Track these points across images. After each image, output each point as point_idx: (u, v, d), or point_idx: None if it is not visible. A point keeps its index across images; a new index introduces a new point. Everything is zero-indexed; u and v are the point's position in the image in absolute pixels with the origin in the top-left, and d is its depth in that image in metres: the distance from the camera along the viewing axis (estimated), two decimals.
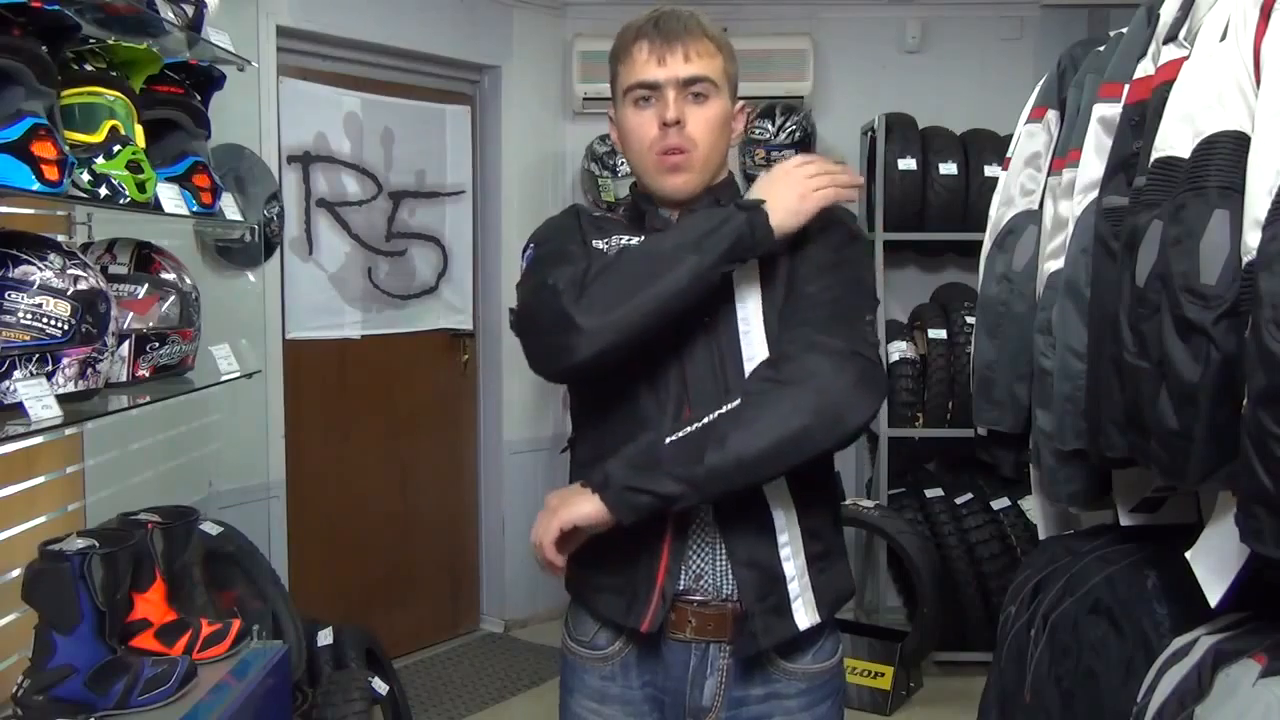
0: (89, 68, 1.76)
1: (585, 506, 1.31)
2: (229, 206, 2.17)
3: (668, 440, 1.31)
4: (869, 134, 4.09)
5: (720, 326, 1.40)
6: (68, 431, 2.04)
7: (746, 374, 1.38)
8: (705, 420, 1.31)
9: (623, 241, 1.47)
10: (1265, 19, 1.22)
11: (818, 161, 1.41)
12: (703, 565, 1.41)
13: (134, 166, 1.74)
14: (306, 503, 3.55)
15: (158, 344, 1.93)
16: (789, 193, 1.37)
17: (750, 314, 1.41)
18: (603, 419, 1.45)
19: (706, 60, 1.43)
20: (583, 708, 1.51)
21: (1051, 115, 2.07)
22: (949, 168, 3.90)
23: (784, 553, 1.40)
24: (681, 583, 1.41)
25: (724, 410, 1.31)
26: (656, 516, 1.34)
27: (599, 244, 1.48)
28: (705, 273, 1.32)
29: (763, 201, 1.36)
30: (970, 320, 3.51)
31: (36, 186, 1.49)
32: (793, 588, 1.41)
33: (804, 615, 1.41)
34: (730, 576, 1.40)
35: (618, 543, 1.40)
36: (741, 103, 1.51)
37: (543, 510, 1.36)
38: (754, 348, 1.40)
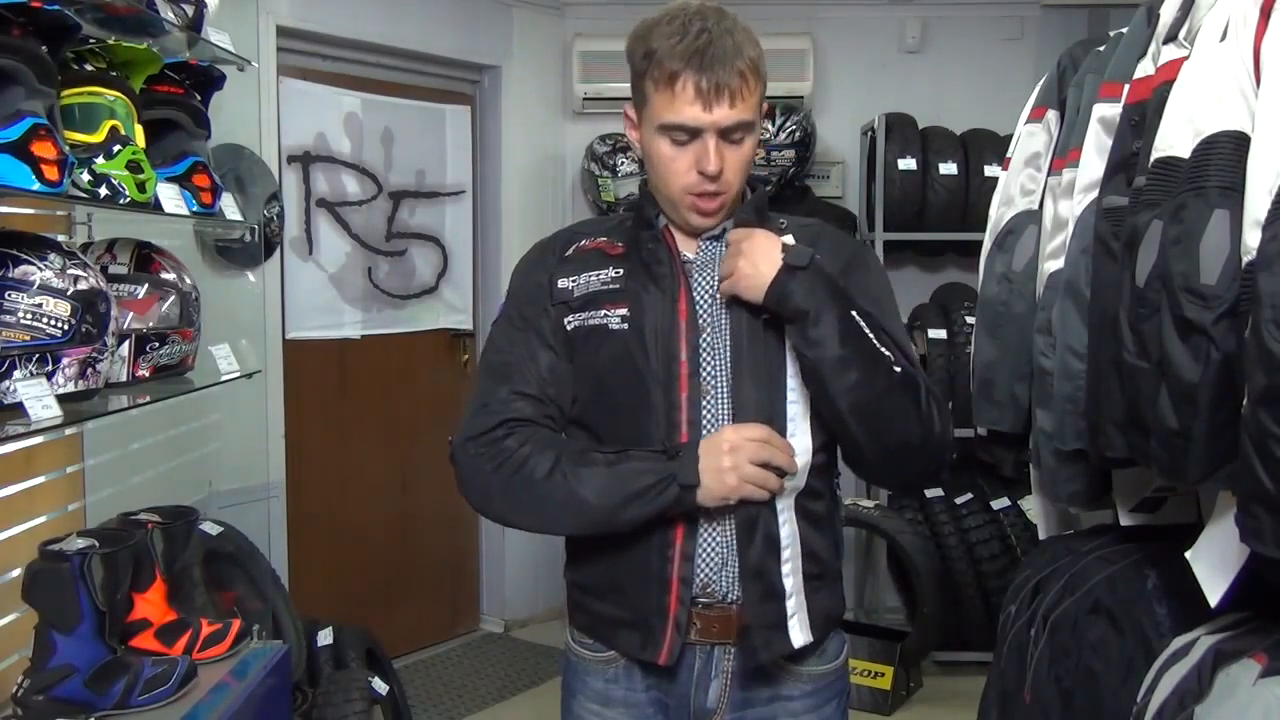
0: (89, 68, 1.76)
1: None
2: (229, 206, 2.17)
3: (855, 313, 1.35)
4: (869, 134, 4.09)
5: (769, 340, 1.40)
6: (68, 431, 2.04)
7: (790, 396, 1.39)
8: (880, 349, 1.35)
9: (594, 279, 1.43)
10: (1265, 19, 1.22)
11: (768, 443, 1.35)
12: (710, 572, 1.40)
13: (134, 166, 1.74)
14: (306, 503, 3.55)
15: (158, 344, 1.93)
16: (724, 480, 1.33)
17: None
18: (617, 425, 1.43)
19: (749, 100, 1.36)
20: (586, 710, 1.50)
21: (1051, 115, 2.07)
22: (949, 168, 3.90)
23: (785, 569, 1.41)
24: (692, 589, 1.41)
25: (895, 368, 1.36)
26: (666, 541, 1.38)
27: (565, 283, 1.45)
28: (622, 524, 1.37)
29: (696, 485, 1.34)
30: (970, 320, 3.51)
31: (36, 186, 1.49)
32: (789, 605, 1.41)
33: (798, 633, 1.42)
34: (737, 583, 1.40)
35: (624, 573, 1.42)
36: (766, 106, 1.45)
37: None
38: (796, 365, 1.40)
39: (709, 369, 1.41)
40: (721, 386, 1.40)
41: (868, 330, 1.34)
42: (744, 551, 1.39)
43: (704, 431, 1.39)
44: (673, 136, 1.37)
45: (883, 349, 1.35)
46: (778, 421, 1.39)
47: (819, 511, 1.45)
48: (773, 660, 1.43)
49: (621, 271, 1.44)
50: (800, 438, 1.40)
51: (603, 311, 1.42)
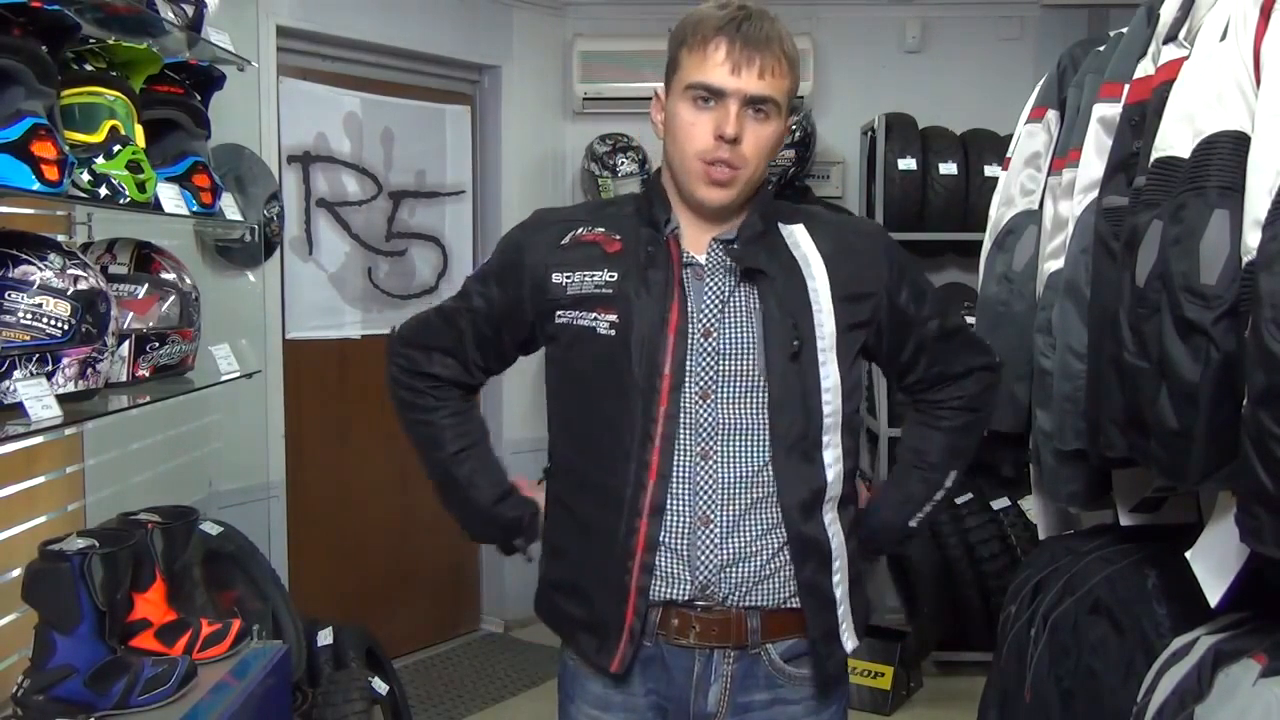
0: (89, 68, 1.76)
1: None
2: (229, 206, 2.17)
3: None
4: (869, 134, 4.09)
5: (803, 361, 1.40)
6: (68, 431, 2.04)
7: (825, 410, 1.40)
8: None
9: (588, 280, 1.42)
10: (1265, 19, 1.23)
11: None
12: (709, 574, 1.40)
13: (134, 166, 1.74)
14: (306, 503, 3.55)
15: (158, 344, 1.93)
16: None
17: (829, 350, 1.42)
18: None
19: (778, 80, 1.37)
20: (585, 715, 1.50)
21: (1051, 115, 2.08)
22: (949, 168, 3.89)
23: (835, 578, 1.43)
24: (687, 592, 1.40)
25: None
26: (627, 552, 1.39)
27: (559, 278, 1.44)
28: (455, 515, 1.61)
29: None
30: (970, 320, 3.50)
31: (36, 186, 1.49)
32: (840, 612, 1.44)
33: (849, 639, 1.46)
34: (743, 584, 1.40)
35: (587, 576, 1.43)
36: (792, 119, 1.48)
37: None
38: (830, 380, 1.41)
39: (708, 376, 1.40)
40: (719, 396, 1.39)
41: (938, 492, 1.56)
42: (801, 569, 1.40)
43: (678, 446, 1.39)
44: (696, 99, 1.38)
45: (949, 472, 1.56)
46: (813, 434, 1.40)
47: (853, 517, 1.48)
48: (776, 656, 1.43)
49: (616, 275, 1.42)
50: (832, 449, 1.42)
51: (593, 314, 1.41)
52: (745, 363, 1.40)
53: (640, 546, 1.38)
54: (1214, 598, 1.35)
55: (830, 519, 1.42)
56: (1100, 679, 1.67)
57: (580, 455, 1.46)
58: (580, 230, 1.48)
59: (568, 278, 1.44)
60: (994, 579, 3.68)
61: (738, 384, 1.40)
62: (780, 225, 1.46)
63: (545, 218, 1.54)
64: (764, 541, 1.40)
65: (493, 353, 1.56)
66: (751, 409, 1.39)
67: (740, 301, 1.41)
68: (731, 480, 1.39)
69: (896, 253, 1.52)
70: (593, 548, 1.42)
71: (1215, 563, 1.35)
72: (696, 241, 1.44)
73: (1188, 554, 1.39)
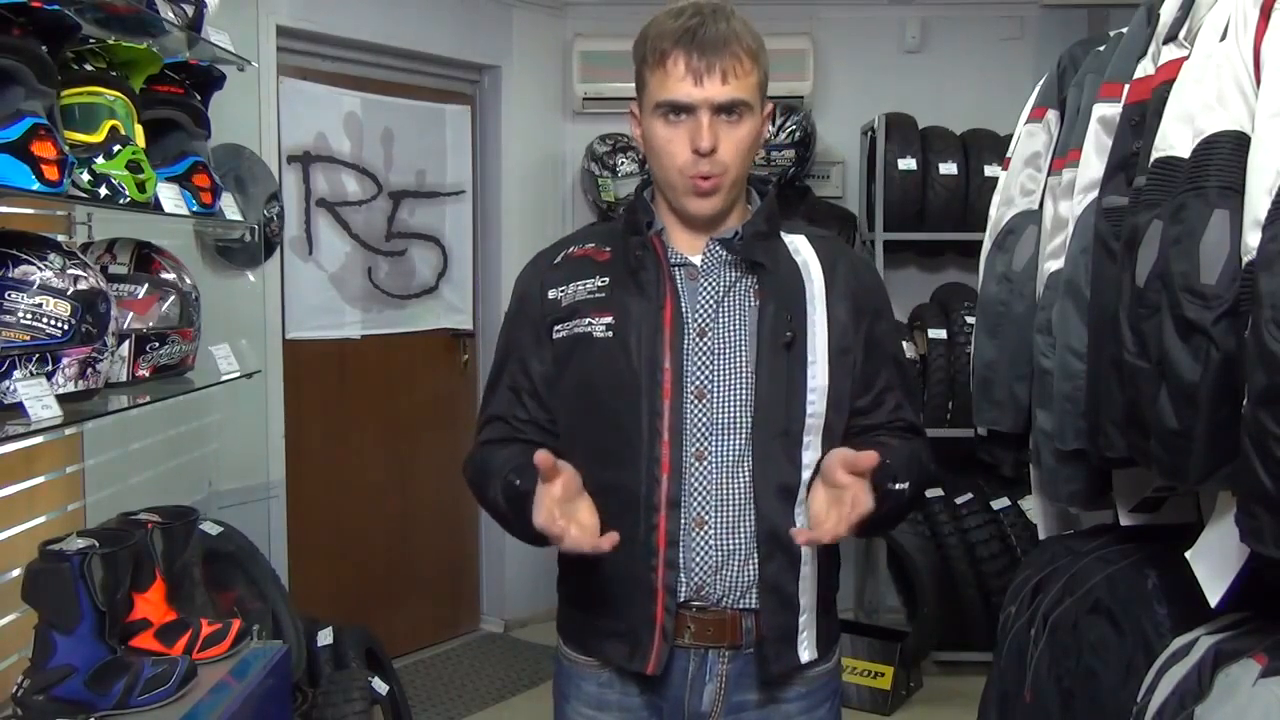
0: (89, 68, 1.76)
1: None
2: (229, 206, 2.17)
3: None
4: (869, 134, 4.09)
5: (793, 355, 1.40)
6: (68, 431, 2.04)
7: (808, 410, 1.40)
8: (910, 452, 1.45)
9: (580, 288, 1.44)
10: (1265, 19, 1.23)
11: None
12: (704, 575, 1.40)
13: (134, 166, 1.74)
14: (306, 503, 3.55)
15: (158, 344, 1.93)
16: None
17: (819, 352, 1.41)
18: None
19: (743, 80, 1.36)
20: (580, 715, 1.50)
21: (1051, 115, 2.08)
22: (949, 168, 3.89)
23: (803, 585, 1.42)
24: (683, 593, 1.41)
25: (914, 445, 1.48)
26: (649, 550, 1.38)
27: (554, 293, 1.46)
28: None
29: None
30: (970, 320, 3.51)
31: (36, 186, 1.49)
32: (802, 620, 1.43)
33: (806, 650, 1.44)
34: (735, 588, 1.40)
35: (610, 584, 1.43)
36: (769, 105, 1.47)
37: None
38: (818, 380, 1.41)
39: (703, 376, 1.40)
40: (713, 396, 1.40)
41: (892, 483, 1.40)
42: (765, 564, 1.39)
43: (685, 439, 1.39)
44: (667, 115, 1.38)
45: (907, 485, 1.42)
46: (794, 431, 1.39)
47: None
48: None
49: (607, 280, 1.44)
50: (812, 451, 1.41)
51: (588, 320, 1.42)
52: (737, 360, 1.40)
53: (662, 543, 1.39)
54: (1214, 598, 1.35)
55: (803, 522, 1.40)
56: (1100, 679, 1.67)
57: (591, 460, 1.43)
58: (571, 249, 1.51)
59: (562, 291, 1.46)
60: (994, 579, 3.68)
61: (729, 382, 1.40)
62: (783, 233, 1.48)
63: (539, 254, 1.56)
64: (755, 545, 1.40)
65: (523, 401, 1.50)
66: (740, 406, 1.40)
67: (737, 298, 1.42)
68: (723, 481, 1.39)
69: (883, 288, 1.56)
70: (614, 553, 1.39)
71: (1215, 563, 1.35)
72: (691, 243, 1.45)
73: (1188, 554, 1.39)
